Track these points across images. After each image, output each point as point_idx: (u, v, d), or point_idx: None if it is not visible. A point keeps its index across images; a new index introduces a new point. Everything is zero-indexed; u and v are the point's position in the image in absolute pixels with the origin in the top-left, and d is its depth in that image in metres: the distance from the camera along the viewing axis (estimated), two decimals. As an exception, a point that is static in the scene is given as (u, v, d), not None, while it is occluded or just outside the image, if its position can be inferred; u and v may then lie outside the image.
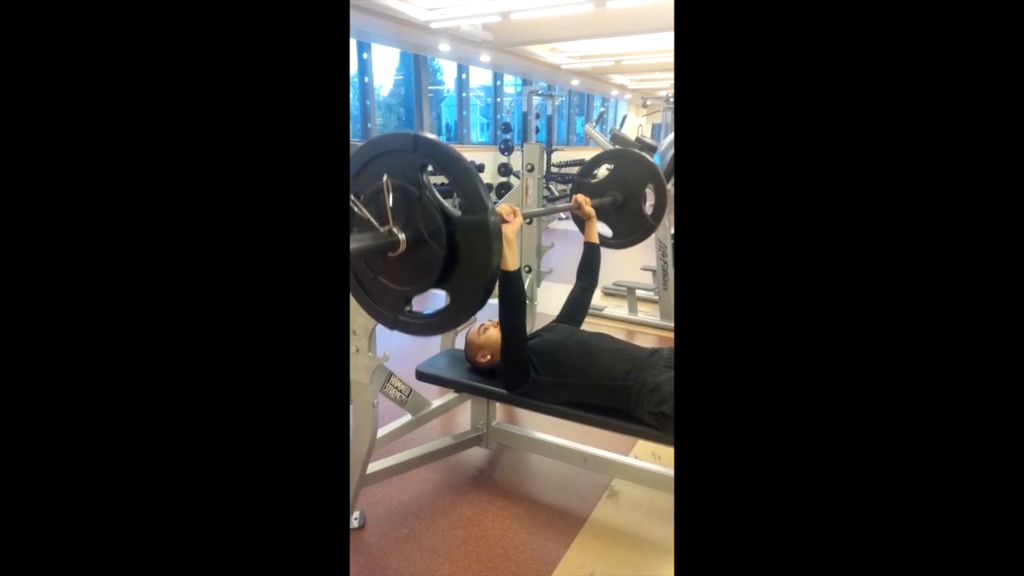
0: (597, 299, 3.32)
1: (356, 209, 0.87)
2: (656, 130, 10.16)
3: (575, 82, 9.67)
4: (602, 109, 10.65)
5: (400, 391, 1.48)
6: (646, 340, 2.04)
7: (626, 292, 3.09)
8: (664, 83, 10.24)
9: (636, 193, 1.95)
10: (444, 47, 6.37)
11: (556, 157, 8.34)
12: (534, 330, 1.56)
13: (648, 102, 11.54)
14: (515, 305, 1.31)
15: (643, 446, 1.72)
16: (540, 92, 8.10)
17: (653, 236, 2.85)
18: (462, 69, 8.04)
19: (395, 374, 1.44)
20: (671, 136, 3.02)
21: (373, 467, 1.42)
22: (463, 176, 0.85)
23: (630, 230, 1.97)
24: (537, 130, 7.67)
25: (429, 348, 2.16)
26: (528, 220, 1.93)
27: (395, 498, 1.51)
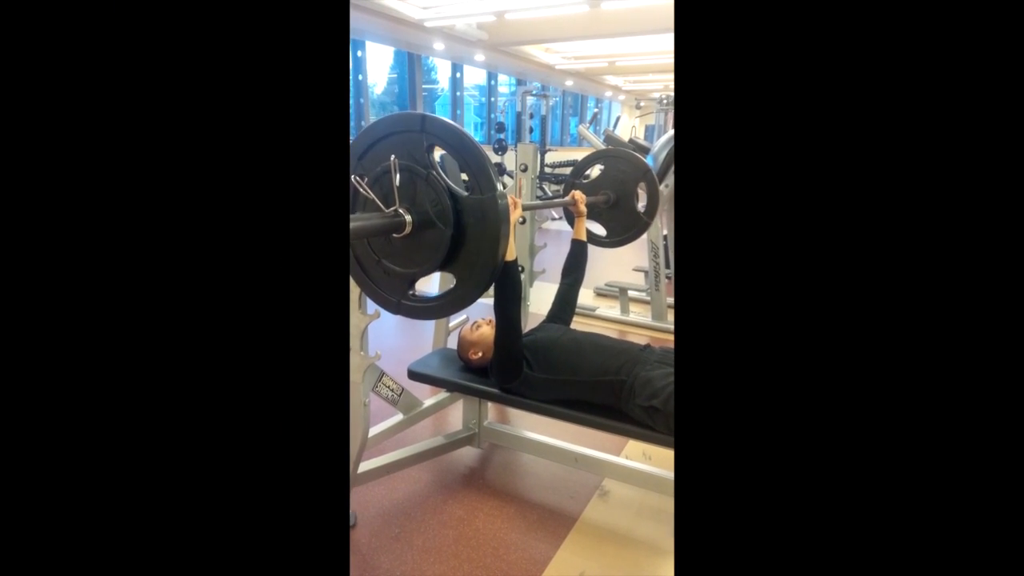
0: (589, 300, 3.33)
1: (361, 190, 0.86)
2: (649, 131, 10.19)
3: (569, 83, 9.69)
4: (596, 110, 10.67)
5: (392, 390, 1.47)
6: (638, 340, 2.06)
7: (618, 293, 3.10)
8: (658, 85, 10.28)
9: (628, 192, 1.97)
10: (438, 46, 6.35)
11: (550, 157, 8.34)
12: (526, 329, 1.56)
13: (642, 103, 11.58)
14: (511, 295, 1.31)
15: (634, 446, 1.72)
16: (534, 92, 8.10)
17: (645, 237, 2.87)
18: (456, 68, 8.03)
19: (387, 373, 1.44)
20: (664, 138, 3.03)
21: (364, 466, 1.42)
22: (471, 156, 0.84)
23: (624, 228, 1.99)
24: (531, 130, 7.67)
25: (421, 347, 2.16)
26: (522, 220, 1.93)
27: (386, 497, 1.50)
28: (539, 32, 6.06)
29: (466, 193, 0.85)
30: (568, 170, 10.27)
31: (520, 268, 1.96)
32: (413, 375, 1.62)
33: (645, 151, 3.26)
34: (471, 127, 9.36)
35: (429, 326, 2.28)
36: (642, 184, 1.97)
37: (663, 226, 2.96)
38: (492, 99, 9.03)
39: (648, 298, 2.99)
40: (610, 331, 2.85)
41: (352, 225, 0.78)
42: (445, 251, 0.87)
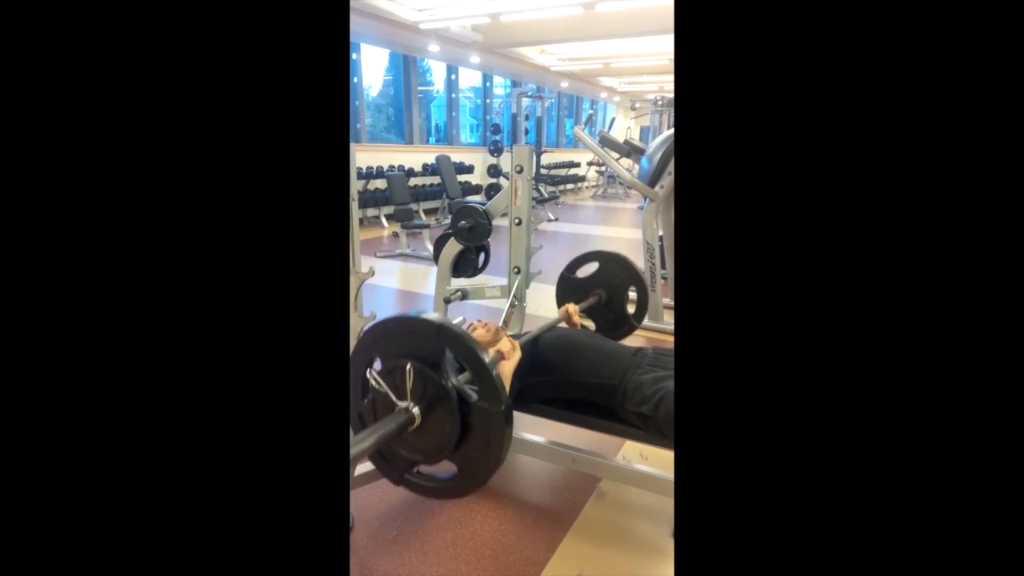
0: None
1: (374, 383, 0.95)
2: (644, 132, 10.22)
3: (564, 84, 9.71)
4: (591, 111, 10.69)
5: (389, 393, 1.47)
6: (633, 340, 2.06)
7: (614, 293, 3.10)
8: (653, 86, 10.31)
9: (619, 293, 2.02)
10: (433, 48, 6.36)
11: (545, 159, 8.36)
12: (522, 331, 1.56)
13: (637, 105, 11.61)
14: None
15: (631, 447, 1.73)
16: (529, 94, 8.12)
17: (641, 238, 2.88)
18: (451, 70, 8.04)
19: (384, 375, 1.44)
20: (659, 139, 3.04)
21: (361, 468, 1.42)
22: (481, 370, 0.91)
23: (612, 327, 2.05)
24: (526, 132, 7.69)
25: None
26: (518, 222, 1.93)
27: (383, 500, 1.50)
28: (534, 34, 6.07)
29: (475, 397, 0.92)
30: (563, 171, 10.25)
31: (516, 270, 1.97)
32: (410, 377, 1.62)
33: (641, 152, 3.27)
34: (467, 129, 9.37)
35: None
36: (632, 288, 2.03)
37: (659, 227, 2.97)
38: (488, 101, 9.04)
39: (644, 299, 2.99)
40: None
41: (372, 440, 0.86)
42: (451, 448, 0.95)
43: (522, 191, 1.92)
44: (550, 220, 6.73)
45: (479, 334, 1.53)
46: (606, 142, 3.43)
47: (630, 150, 3.44)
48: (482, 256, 2.13)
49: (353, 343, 1.27)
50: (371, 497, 1.50)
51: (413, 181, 6.59)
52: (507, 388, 1.24)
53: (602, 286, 2.04)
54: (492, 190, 7.39)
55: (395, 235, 5.31)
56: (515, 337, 1.43)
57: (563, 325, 1.65)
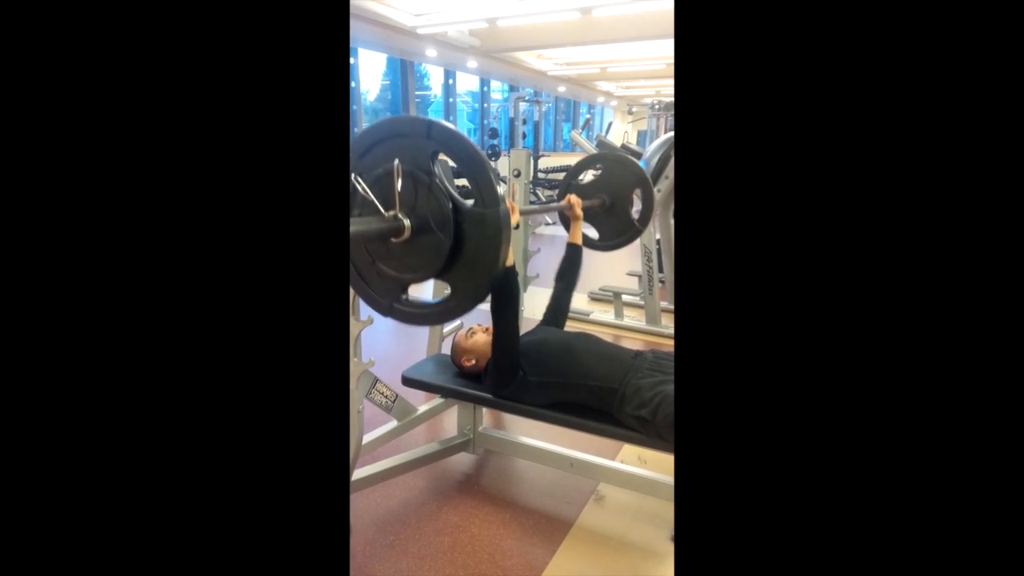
0: (584, 304, 3.33)
1: (361, 190, 0.84)
2: (642, 137, 10.24)
3: (561, 88, 9.74)
4: (588, 116, 10.73)
5: (386, 397, 1.47)
6: (632, 344, 2.06)
7: (612, 297, 3.10)
8: (649, 90, 10.34)
9: (623, 196, 1.96)
10: (431, 53, 6.38)
11: (543, 163, 8.36)
12: (521, 334, 1.56)
13: (634, 109, 11.64)
14: (510, 301, 1.32)
15: (629, 450, 1.72)
16: (527, 98, 8.13)
17: (638, 241, 2.88)
18: (449, 75, 8.06)
19: (380, 380, 1.44)
20: (656, 142, 3.05)
21: (359, 474, 1.41)
22: (477, 167, 0.83)
23: (616, 233, 1.99)
24: (524, 136, 7.70)
25: (415, 353, 2.15)
26: (516, 225, 1.93)
27: (381, 505, 1.49)
28: (531, 39, 6.09)
29: (469, 203, 0.84)
30: (562, 175, 10.29)
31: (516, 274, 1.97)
32: (407, 381, 1.61)
33: (638, 156, 3.28)
34: (464, 134, 9.39)
35: (423, 332, 2.28)
36: (637, 191, 1.97)
37: (656, 230, 2.97)
38: (485, 105, 9.06)
39: (642, 302, 3.00)
40: (605, 335, 2.85)
41: (352, 229, 0.77)
42: (443, 260, 0.86)
43: (520, 195, 1.92)
44: (547, 224, 6.74)
45: (481, 339, 1.52)
46: (603, 146, 3.44)
47: (628, 154, 3.44)
48: (480, 259, 2.13)
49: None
50: (368, 502, 1.50)
51: (411, 185, 6.57)
52: (509, 247, 1.19)
53: (606, 191, 1.97)
54: (490, 194, 7.37)
55: (393, 239, 5.29)
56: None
57: (563, 332, 1.64)
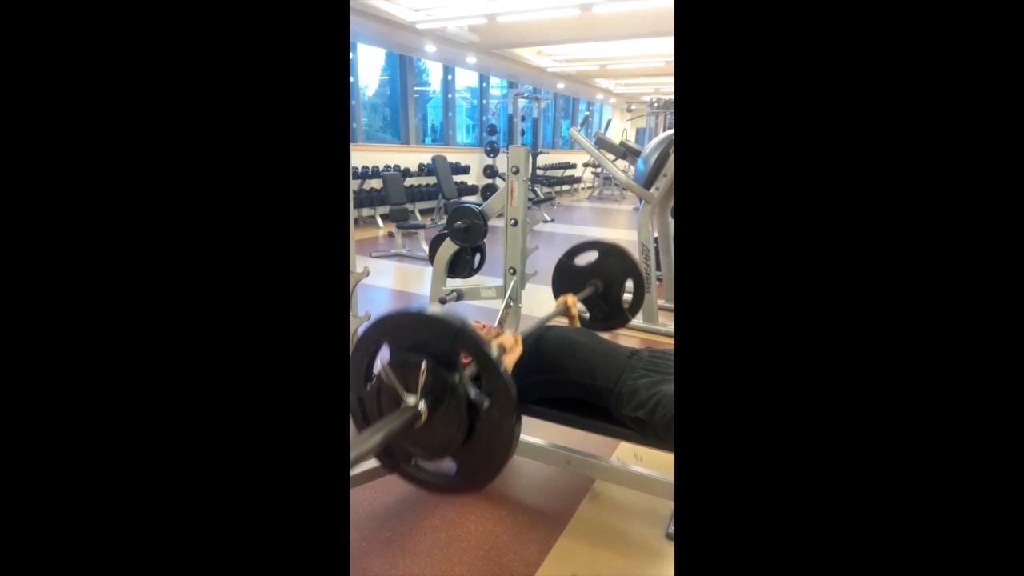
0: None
1: (385, 377, 0.93)
2: (640, 134, 10.25)
3: (560, 85, 9.72)
4: (587, 113, 10.71)
5: (383, 393, 1.47)
6: (629, 342, 2.07)
7: (610, 295, 3.10)
8: (648, 88, 10.33)
9: (616, 284, 2.01)
10: (430, 48, 6.36)
11: (541, 160, 8.36)
12: (517, 332, 1.56)
13: (633, 106, 11.64)
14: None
15: (625, 448, 1.73)
16: (526, 95, 8.12)
17: (636, 239, 2.88)
18: (448, 70, 8.03)
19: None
20: (654, 140, 3.05)
21: (356, 469, 1.41)
22: (495, 380, 0.91)
23: (606, 317, 2.04)
24: (523, 132, 7.69)
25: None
26: (514, 222, 1.93)
27: (377, 501, 1.50)
28: (530, 35, 6.07)
29: (487, 403, 0.90)
30: (559, 172, 10.24)
31: (512, 271, 1.97)
32: (405, 378, 1.61)
33: (637, 153, 3.28)
34: (463, 129, 9.36)
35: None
36: (629, 280, 2.02)
37: (654, 229, 2.97)
38: (484, 101, 9.04)
39: (639, 300, 3.00)
40: (602, 333, 2.86)
41: (379, 436, 0.83)
42: (455, 450, 0.93)
43: (518, 192, 1.92)
44: (546, 221, 6.74)
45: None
46: (602, 144, 3.44)
47: (626, 152, 3.44)
48: (477, 257, 2.13)
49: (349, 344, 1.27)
50: (365, 498, 1.50)
51: (409, 181, 6.58)
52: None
53: (599, 276, 2.02)
54: (488, 191, 7.38)
55: (390, 235, 5.30)
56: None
57: (561, 320, 1.65)
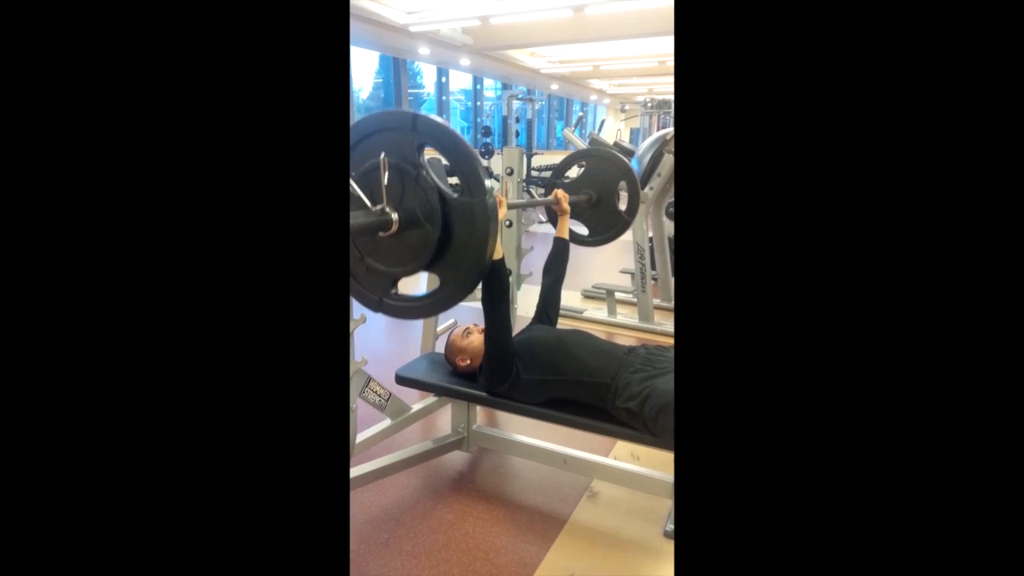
0: (577, 302, 3.34)
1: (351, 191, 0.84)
2: (634, 134, 10.27)
3: (554, 86, 9.74)
4: (581, 113, 10.73)
5: (379, 395, 1.47)
6: (625, 342, 2.08)
7: (605, 294, 3.11)
8: (642, 88, 10.36)
9: (610, 191, 1.98)
10: (424, 51, 6.36)
11: (536, 161, 8.36)
12: (513, 332, 1.56)
13: (626, 107, 11.66)
14: (501, 293, 1.32)
15: (622, 447, 1.73)
16: (520, 96, 8.13)
17: (631, 239, 2.89)
18: (442, 73, 8.03)
19: (374, 378, 1.43)
20: (648, 140, 3.06)
21: (353, 472, 1.41)
22: (463, 157, 0.83)
23: (605, 227, 2.01)
24: (517, 134, 7.70)
25: (408, 352, 2.15)
26: (508, 223, 1.93)
27: (375, 503, 1.49)
28: (524, 36, 6.08)
29: (456, 195, 0.84)
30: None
31: (507, 271, 1.97)
32: (401, 380, 1.61)
33: (630, 154, 3.28)
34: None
35: (417, 331, 2.27)
36: (623, 183, 1.99)
37: (648, 228, 2.98)
38: (478, 103, 9.04)
39: (635, 300, 3.01)
40: (598, 332, 2.85)
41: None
42: (431, 252, 0.86)
43: (512, 192, 1.92)
44: (540, 222, 6.74)
45: (476, 339, 1.53)
46: (596, 144, 3.44)
47: (620, 152, 3.45)
48: (473, 258, 2.13)
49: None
50: (362, 501, 1.50)
51: (404, 183, 6.55)
52: (497, 240, 1.18)
53: (591, 185, 2.00)
54: (483, 192, 7.36)
55: (386, 238, 5.28)
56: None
57: (556, 329, 1.65)
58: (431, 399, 1.77)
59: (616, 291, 3.10)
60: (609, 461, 1.50)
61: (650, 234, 3.03)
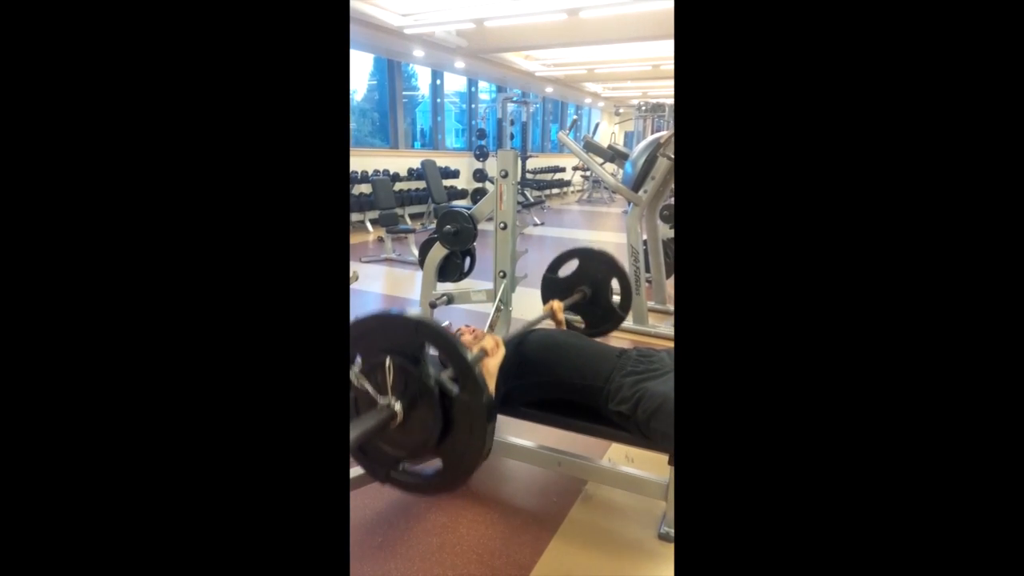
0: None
1: (355, 381, 0.94)
2: (629, 138, 10.30)
3: (549, 89, 9.76)
4: (575, 116, 10.76)
5: (374, 398, 1.46)
6: (620, 343, 2.09)
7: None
8: (636, 91, 10.40)
9: (603, 287, 2.05)
10: (418, 53, 6.36)
11: (531, 163, 8.38)
12: (508, 335, 1.56)
13: (621, 110, 11.71)
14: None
15: (616, 449, 1.73)
16: (515, 99, 8.14)
17: (626, 241, 2.90)
18: (437, 75, 8.04)
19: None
20: (642, 144, 3.07)
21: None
22: (460, 363, 0.92)
23: (600, 321, 2.08)
24: (512, 136, 7.71)
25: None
26: (503, 226, 1.94)
27: (369, 506, 1.49)
28: (518, 39, 6.10)
29: (455, 390, 0.92)
30: (549, 176, 10.25)
31: (502, 274, 1.97)
32: (395, 382, 1.61)
33: (624, 157, 3.30)
34: (452, 134, 9.37)
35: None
36: (614, 279, 2.06)
37: (642, 231, 2.99)
38: (473, 106, 9.05)
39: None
40: (600, 338, 2.86)
41: (354, 435, 0.86)
42: (433, 446, 0.95)
43: (507, 195, 1.93)
44: (536, 224, 6.75)
45: (466, 340, 1.53)
46: (591, 147, 3.46)
47: (614, 155, 3.47)
48: (468, 260, 2.13)
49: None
50: (356, 504, 1.49)
51: (398, 186, 6.56)
52: (492, 386, 1.24)
53: (585, 282, 2.06)
54: (478, 195, 7.38)
55: (380, 240, 5.28)
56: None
57: (548, 324, 1.66)
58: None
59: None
60: (603, 463, 1.50)
61: (644, 237, 3.04)
